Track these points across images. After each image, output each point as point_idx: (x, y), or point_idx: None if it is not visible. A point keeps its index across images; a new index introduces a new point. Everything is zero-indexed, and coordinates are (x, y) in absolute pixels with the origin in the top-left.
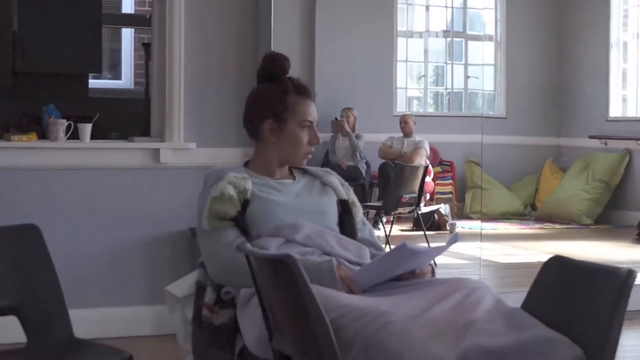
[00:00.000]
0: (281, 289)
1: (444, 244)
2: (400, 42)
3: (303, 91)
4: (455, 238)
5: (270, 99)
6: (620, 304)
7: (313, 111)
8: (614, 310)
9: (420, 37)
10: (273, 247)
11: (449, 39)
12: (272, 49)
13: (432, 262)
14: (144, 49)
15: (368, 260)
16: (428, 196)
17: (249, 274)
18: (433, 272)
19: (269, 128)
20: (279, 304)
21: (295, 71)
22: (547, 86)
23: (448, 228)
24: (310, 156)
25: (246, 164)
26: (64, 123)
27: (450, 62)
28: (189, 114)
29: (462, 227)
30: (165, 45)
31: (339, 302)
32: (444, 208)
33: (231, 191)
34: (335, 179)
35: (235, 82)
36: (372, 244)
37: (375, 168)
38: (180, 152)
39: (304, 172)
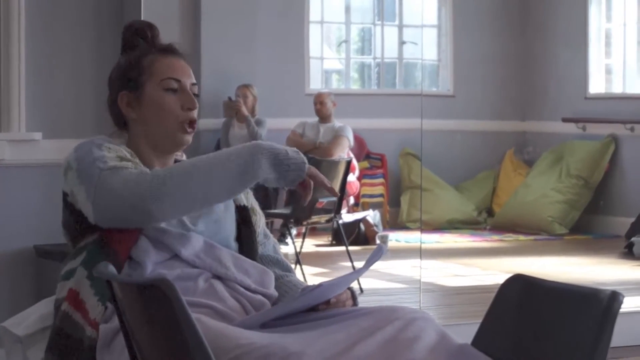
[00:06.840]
0: (154, 325)
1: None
2: None
3: (164, 49)
4: (380, 251)
5: (123, 67)
6: (603, 335)
7: (181, 69)
8: (595, 345)
9: None
10: (150, 263)
11: None
12: (142, 14)
13: (353, 285)
14: None
15: (272, 289)
16: (352, 200)
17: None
18: (354, 299)
19: (125, 101)
20: (151, 345)
21: (173, 40)
22: (508, 54)
23: (378, 241)
24: (192, 129)
25: None
26: None
27: (379, 22)
28: (32, 95)
29: (397, 241)
30: None
31: (232, 341)
32: (373, 216)
33: (126, 154)
34: None
35: (92, 55)
36: (276, 263)
37: None
38: (21, 145)
39: None
